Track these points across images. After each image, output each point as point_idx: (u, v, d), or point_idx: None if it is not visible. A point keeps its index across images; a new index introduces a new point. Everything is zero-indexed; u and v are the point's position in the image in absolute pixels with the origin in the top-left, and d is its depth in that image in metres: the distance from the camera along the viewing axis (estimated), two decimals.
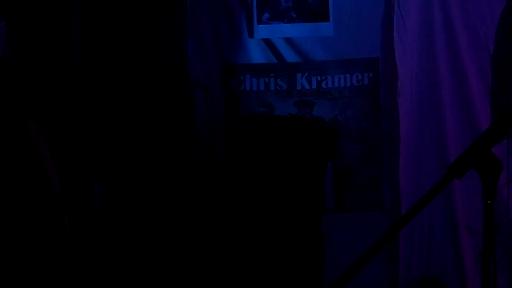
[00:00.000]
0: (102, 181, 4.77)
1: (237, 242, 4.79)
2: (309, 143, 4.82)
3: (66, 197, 3.12)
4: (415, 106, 5.28)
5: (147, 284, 4.77)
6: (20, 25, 4.36)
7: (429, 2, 5.22)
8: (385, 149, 5.29)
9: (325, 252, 4.90)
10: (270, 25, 5.15)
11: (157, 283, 4.77)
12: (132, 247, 4.75)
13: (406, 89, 5.24)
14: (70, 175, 4.47)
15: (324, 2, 5.15)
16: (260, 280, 4.72)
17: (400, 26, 5.20)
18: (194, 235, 4.84)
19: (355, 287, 3.17)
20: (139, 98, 4.84)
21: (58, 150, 3.54)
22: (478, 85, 5.26)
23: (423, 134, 5.30)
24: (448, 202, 5.24)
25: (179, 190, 4.85)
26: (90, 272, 4.51)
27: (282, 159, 4.77)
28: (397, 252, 5.25)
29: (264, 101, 5.18)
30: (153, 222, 4.78)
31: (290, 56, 5.22)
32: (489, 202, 2.21)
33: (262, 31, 5.16)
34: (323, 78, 5.20)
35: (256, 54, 5.20)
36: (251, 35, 5.17)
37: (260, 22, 5.14)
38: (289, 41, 5.22)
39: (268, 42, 5.21)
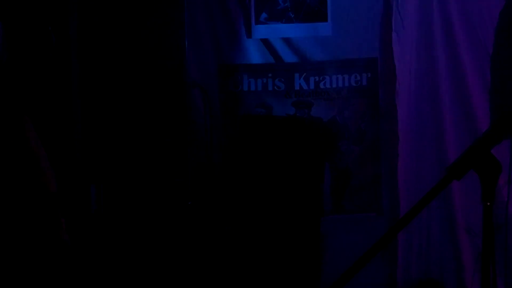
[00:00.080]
0: (99, 182, 4.76)
1: (235, 243, 4.78)
2: (307, 144, 4.82)
3: (63, 199, 3.12)
4: (414, 106, 5.27)
5: (144, 286, 4.76)
6: (17, 26, 4.36)
7: (428, 2, 5.21)
8: (383, 149, 5.28)
9: (323, 253, 4.89)
10: (268, 25, 5.14)
11: (154, 285, 4.76)
12: (129, 248, 4.74)
13: (405, 90, 5.23)
14: (67, 176, 4.45)
15: (322, 2, 5.15)
16: (258, 281, 4.71)
17: (399, 26, 5.19)
18: (192, 236, 4.83)
19: None
20: (136, 99, 4.83)
21: (55, 151, 3.53)
22: (477, 85, 5.26)
23: (422, 134, 5.29)
24: (447, 202, 5.24)
25: (176, 191, 4.84)
26: (87, 273, 4.51)
27: (280, 160, 4.76)
28: (395, 253, 5.25)
29: (262, 102, 5.17)
30: (151, 223, 4.78)
31: (288, 56, 5.21)
32: (488, 204, 2.22)
33: (260, 31, 5.15)
34: (321, 78, 5.20)
35: (254, 54, 5.19)
36: (249, 35, 5.16)
37: (258, 22, 5.13)
38: (287, 41, 5.21)
39: (266, 42, 5.20)
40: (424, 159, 5.29)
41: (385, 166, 5.28)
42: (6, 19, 4.26)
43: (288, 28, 5.16)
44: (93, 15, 4.79)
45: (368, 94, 5.24)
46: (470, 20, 5.21)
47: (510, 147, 4.89)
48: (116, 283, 4.71)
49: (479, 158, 2.19)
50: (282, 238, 4.72)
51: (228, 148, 5.09)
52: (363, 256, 2.25)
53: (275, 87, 5.18)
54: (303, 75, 5.19)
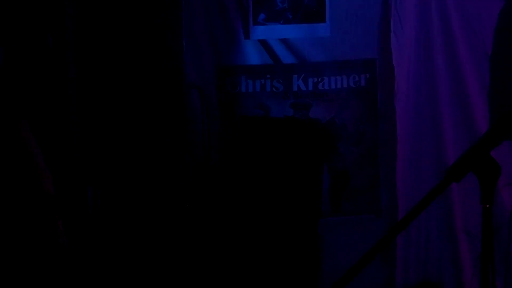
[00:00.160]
0: (96, 184, 4.75)
1: (232, 246, 4.78)
2: (305, 145, 4.82)
3: (60, 201, 3.11)
4: (413, 107, 5.27)
5: None
6: (13, 29, 4.35)
7: (427, 2, 5.21)
8: (382, 151, 5.28)
9: (321, 255, 4.89)
10: (266, 26, 5.13)
11: (152, 287, 4.75)
12: (126, 250, 4.74)
13: (404, 91, 5.23)
14: (64, 178, 4.45)
15: (320, 3, 5.14)
16: (256, 284, 4.71)
17: (397, 27, 5.19)
18: (189, 238, 4.83)
19: None
20: (133, 100, 4.83)
21: (52, 153, 3.53)
22: (476, 86, 5.26)
23: (421, 136, 5.29)
24: (446, 204, 5.24)
25: (174, 193, 4.83)
26: (85, 276, 4.50)
27: (278, 162, 4.76)
28: (394, 256, 5.25)
29: (260, 103, 5.16)
30: (148, 226, 4.77)
31: (286, 57, 5.19)
32: (487, 206, 2.21)
33: (258, 32, 5.14)
34: (319, 79, 5.19)
35: (252, 55, 5.18)
36: (247, 36, 5.14)
37: (256, 23, 5.11)
38: (285, 42, 5.19)
39: (264, 43, 5.18)
40: (423, 160, 5.29)
41: (383, 168, 5.28)
42: (1, 22, 4.25)
43: (286, 29, 5.15)
44: (90, 17, 4.78)
45: (367, 96, 5.23)
46: (469, 20, 5.21)
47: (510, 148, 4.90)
48: (114, 285, 4.70)
49: (478, 160, 2.19)
50: (280, 240, 4.72)
51: (226, 149, 5.08)
52: (361, 259, 2.24)
53: (273, 88, 5.17)
54: (302, 76, 5.18)
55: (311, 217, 4.82)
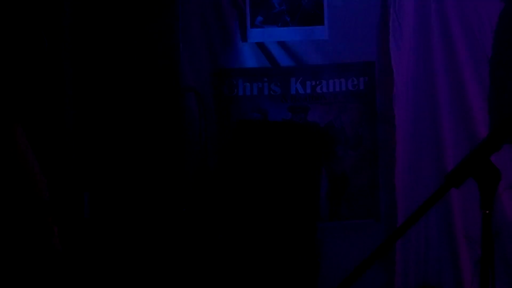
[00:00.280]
0: (92, 189, 4.74)
1: (229, 250, 4.76)
2: (303, 149, 4.80)
3: (56, 207, 3.10)
4: (412, 111, 5.27)
5: None
6: (6, 30, 4.32)
7: (426, 4, 5.21)
8: (381, 155, 5.27)
9: (320, 260, 4.88)
10: (263, 28, 5.12)
11: None
12: (123, 255, 4.72)
13: (403, 94, 5.23)
14: (60, 183, 4.43)
15: (318, 5, 5.13)
16: None
17: (396, 29, 5.19)
18: (187, 242, 4.82)
19: None
20: (130, 104, 4.82)
21: (47, 157, 3.51)
22: (476, 89, 5.26)
23: (420, 139, 5.29)
24: (446, 209, 5.23)
25: (171, 196, 4.82)
26: (80, 281, 4.49)
27: (275, 166, 4.75)
28: (393, 260, 5.24)
29: (258, 106, 5.15)
30: (144, 230, 4.76)
31: (284, 60, 5.18)
32: (487, 212, 2.21)
33: (256, 34, 5.13)
34: (317, 82, 5.18)
35: (249, 58, 5.17)
36: (244, 39, 5.13)
37: (253, 25, 5.11)
38: (283, 45, 5.19)
39: (261, 46, 5.17)
40: (422, 164, 5.29)
41: (382, 172, 5.27)
42: None
43: (284, 32, 5.15)
44: (86, 19, 4.77)
45: (365, 99, 5.22)
46: (469, 22, 5.21)
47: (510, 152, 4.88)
48: None
49: (478, 166, 2.19)
50: (278, 245, 4.71)
51: (223, 153, 5.07)
52: (360, 265, 2.25)
53: (271, 91, 5.15)
54: (299, 79, 5.17)
55: (310, 222, 4.81)
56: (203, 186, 5.05)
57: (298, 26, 5.14)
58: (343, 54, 5.20)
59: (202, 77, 5.14)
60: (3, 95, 3.26)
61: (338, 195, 5.23)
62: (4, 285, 2.96)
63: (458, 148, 5.17)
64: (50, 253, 3.05)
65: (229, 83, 5.12)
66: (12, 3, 4.34)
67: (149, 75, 4.83)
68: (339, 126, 5.21)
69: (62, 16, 4.66)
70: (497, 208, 4.96)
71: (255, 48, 5.16)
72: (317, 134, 5.08)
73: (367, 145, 5.24)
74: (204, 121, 5.03)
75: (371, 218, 5.26)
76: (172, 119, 4.87)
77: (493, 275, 2.24)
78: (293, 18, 5.12)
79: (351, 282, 2.24)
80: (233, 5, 5.11)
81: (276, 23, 5.12)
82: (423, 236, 5.30)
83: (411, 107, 5.26)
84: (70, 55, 4.73)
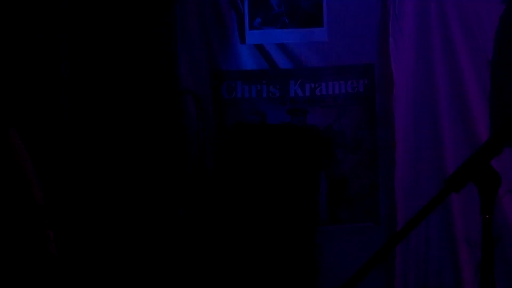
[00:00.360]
0: (90, 191, 4.74)
1: (228, 254, 4.76)
2: (302, 152, 4.81)
3: (51, 210, 3.09)
4: (412, 113, 5.26)
5: None
6: (3, 31, 4.32)
7: (426, 6, 5.20)
8: (381, 157, 5.26)
9: (319, 264, 4.87)
10: (262, 30, 5.12)
11: None
12: (120, 257, 4.73)
13: (402, 96, 5.22)
14: (56, 185, 4.43)
15: (318, 7, 5.12)
16: None
17: (396, 31, 5.18)
18: (185, 244, 4.81)
19: None
20: (128, 106, 4.83)
21: (44, 160, 3.51)
22: (476, 91, 5.26)
23: (420, 142, 5.28)
24: (446, 213, 5.22)
25: (168, 198, 4.82)
26: (77, 284, 4.48)
27: (274, 169, 4.75)
28: (393, 264, 5.22)
29: (256, 109, 5.14)
30: (142, 232, 4.77)
31: (282, 63, 5.18)
32: (487, 216, 2.18)
33: (254, 36, 5.12)
34: (317, 85, 5.17)
35: (247, 60, 5.17)
36: (243, 41, 5.13)
37: (252, 27, 5.11)
38: (282, 47, 5.18)
39: (260, 48, 5.17)
40: (422, 167, 5.28)
41: (382, 175, 5.26)
42: None
43: (283, 34, 5.14)
44: (83, 21, 4.78)
45: (365, 101, 5.21)
46: (469, 25, 5.21)
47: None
48: None
49: (478, 170, 2.16)
50: (277, 249, 4.71)
51: (221, 156, 5.06)
52: (360, 270, 2.23)
53: (270, 94, 5.14)
54: (299, 82, 5.16)
55: (309, 226, 4.81)
56: (201, 188, 5.04)
57: (297, 28, 5.13)
58: (342, 56, 5.19)
59: (201, 79, 5.13)
60: None
61: (337, 198, 5.22)
62: None
63: (458, 149, 5.17)
64: (45, 258, 3.04)
65: (228, 86, 5.12)
66: (9, 6, 4.34)
67: (147, 77, 4.85)
68: (339, 129, 5.20)
69: (59, 18, 4.66)
70: (498, 212, 4.94)
71: (253, 50, 5.16)
72: (316, 137, 5.07)
73: (366, 148, 5.23)
74: (202, 123, 5.03)
75: (371, 221, 5.25)
76: (170, 121, 4.88)
77: (493, 279, 2.19)
78: (292, 20, 5.12)
79: (351, 287, 2.21)
80: (232, 7, 5.11)
81: (275, 25, 5.12)
82: (423, 240, 5.29)
83: (411, 109, 5.25)
84: (67, 58, 4.74)
